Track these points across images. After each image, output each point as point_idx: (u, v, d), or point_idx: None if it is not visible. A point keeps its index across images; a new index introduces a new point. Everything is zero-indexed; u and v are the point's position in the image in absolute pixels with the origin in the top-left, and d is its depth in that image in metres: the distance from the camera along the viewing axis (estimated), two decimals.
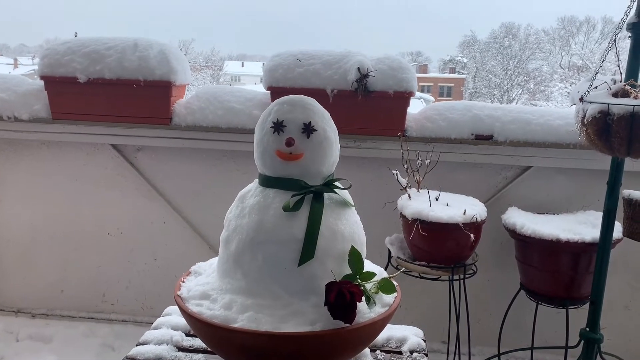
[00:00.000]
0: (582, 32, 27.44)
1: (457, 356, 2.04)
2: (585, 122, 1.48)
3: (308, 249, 0.93)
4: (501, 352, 2.10)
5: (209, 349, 1.10)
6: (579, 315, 2.10)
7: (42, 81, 2.24)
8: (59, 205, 2.46)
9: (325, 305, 0.88)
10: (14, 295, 2.56)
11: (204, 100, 2.25)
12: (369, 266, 1.04)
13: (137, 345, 1.12)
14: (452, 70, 30.14)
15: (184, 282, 1.06)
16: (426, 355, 1.14)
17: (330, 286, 0.89)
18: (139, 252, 2.47)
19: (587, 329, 1.78)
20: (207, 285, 1.01)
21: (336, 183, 1.02)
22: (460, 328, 1.99)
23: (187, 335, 1.18)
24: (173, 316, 1.25)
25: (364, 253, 1.01)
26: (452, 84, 27.91)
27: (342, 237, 0.97)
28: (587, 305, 1.85)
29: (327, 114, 1.01)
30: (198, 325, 0.93)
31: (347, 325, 0.89)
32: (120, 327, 2.48)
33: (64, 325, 2.47)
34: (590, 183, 2.18)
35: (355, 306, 0.88)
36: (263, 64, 2.24)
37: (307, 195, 0.97)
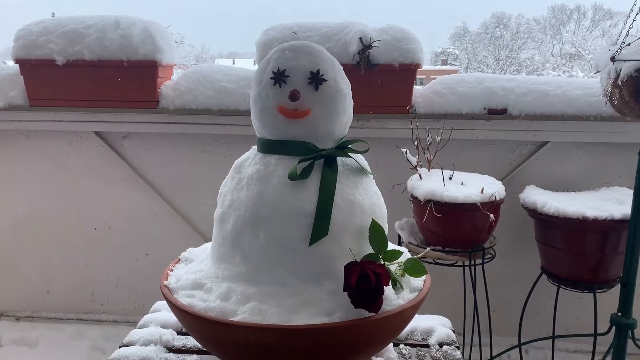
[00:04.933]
0: (572, 20, 27.29)
1: (478, 347, 1.89)
2: (620, 83, 1.33)
3: (321, 225, 0.76)
4: (522, 342, 1.94)
5: (204, 349, 0.93)
6: (604, 301, 1.96)
7: (17, 65, 2.07)
8: (41, 200, 2.28)
9: (344, 290, 0.72)
10: None
11: (193, 80, 2.08)
12: (391, 246, 0.88)
13: (120, 347, 0.96)
14: (444, 62, 29.87)
15: (172, 270, 0.89)
16: (458, 347, 0.98)
17: (350, 267, 0.72)
18: (128, 247, 2.30)
19: (619, 314, 1.63)
20: (199, 273, 0.85)
21: (351, 146, 0.86)
22: (476, 317, 1.84)
23: (179, 333, 1.01)
24: (162, 312, 1.09)
25: (386, 229, 0.85)
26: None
27: (361, 209, 0.81)
28: (614, 290, 1.71)
29: (337, 62, 0.85)
30: (189, 320, 0.76)
31: (373, 314, 0.73)
32: (111, 327, 2.31)
33: (51, 328, 2.30)
34: (613, 157, 2.03)
35: (382, 291, 0.72)
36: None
37: (317, 161, 0.81)
